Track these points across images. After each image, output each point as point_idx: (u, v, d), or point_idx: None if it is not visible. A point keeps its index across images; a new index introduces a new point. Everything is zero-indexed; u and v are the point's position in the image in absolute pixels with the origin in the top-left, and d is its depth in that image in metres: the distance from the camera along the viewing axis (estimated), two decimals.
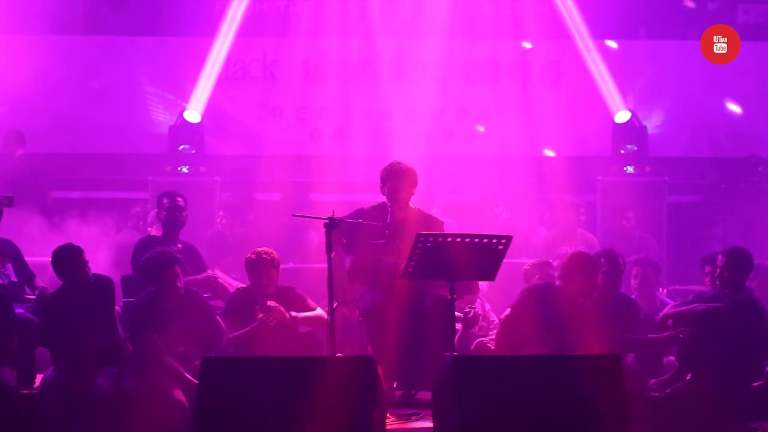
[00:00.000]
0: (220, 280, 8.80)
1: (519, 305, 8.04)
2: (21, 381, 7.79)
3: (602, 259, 8.16)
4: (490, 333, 8.62)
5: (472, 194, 11.74)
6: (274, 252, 8.10)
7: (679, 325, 8.06)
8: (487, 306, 9.13)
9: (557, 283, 8.05)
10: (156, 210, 9.15)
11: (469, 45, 12.49)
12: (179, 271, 7.88)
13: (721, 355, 7.84)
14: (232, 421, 6.25)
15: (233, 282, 9.14)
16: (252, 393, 6.28)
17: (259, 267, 7.99)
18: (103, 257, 9.78)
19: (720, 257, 8.11)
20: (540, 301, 7.94)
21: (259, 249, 8.11)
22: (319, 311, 8.06)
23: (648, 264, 9.21)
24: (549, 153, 12.50)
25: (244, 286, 8.26)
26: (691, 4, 12.81)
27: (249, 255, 8.09)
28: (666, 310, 8.24)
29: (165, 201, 8.91)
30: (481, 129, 12.53)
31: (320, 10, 12.63)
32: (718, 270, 8.07)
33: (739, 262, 8.06)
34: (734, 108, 12.75)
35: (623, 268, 8.28)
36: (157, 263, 7.84)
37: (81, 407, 7.48)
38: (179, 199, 8.93)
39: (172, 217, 8.86)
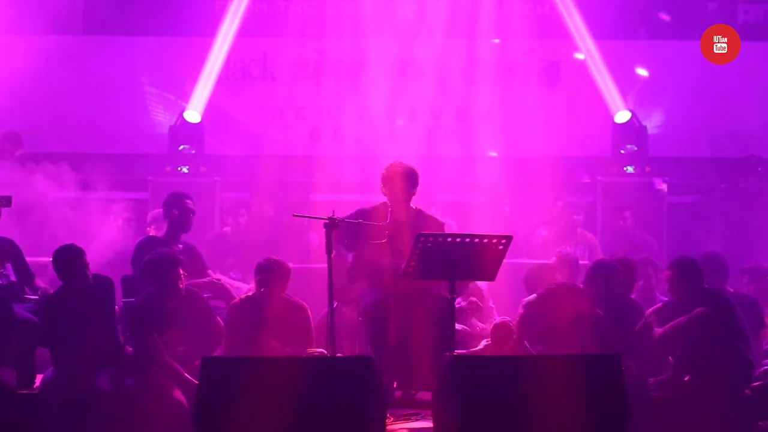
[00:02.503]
0: (223, 282, 8.79)
1: (545, 297, 8.11)
2: (21, 381, 7.79)
3: (619, 266, 8.25)
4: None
5: (473, 194, 11.73)
6: (284, 263, 8.07)
7: (669, 341, 8.06)
8: (491, 304, 9.17)
9: (581, 286, 8.15)
10: (161, 209, 9.03)
11: (469, 45, 12.48)
12: (181, 272, 7.88)
13: (712, 357, 7.85)
14: (232, 422, 6.25)
15: (233, 283, 9.15)
16: (252, 393, 6.28)
17: (267, 276, 7.96)
18: (99, 257, 9.79)
19: (666, 272, 8.12)
20: (565, 299, 8.02)
21: (272, 258, 8.08)
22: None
23: (649, 264, 9.24)
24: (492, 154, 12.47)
25: (250, 294, 8.20)
26: (666, 18, 12.80)
27: (261, 261, 8.06)
28: (660, 331, 8.21)
29: (179, 201, 8.87)
30: (493, 154, 12.51)
31: (320, 10, 12.62)
32: (668, 284, 8.08)
33: (684, 271, 8.05)
34: (642, 72, 12.72)
35: (638, 276, 8.38)
36: (159, 264, 7.84)
37: (81, 407, 7.48)
38: (190, 201, 8.93)
39: (185, 218, 8.84)
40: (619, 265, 8.27)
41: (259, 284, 8.05)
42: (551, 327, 7.93)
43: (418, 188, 8.02)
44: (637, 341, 8.05)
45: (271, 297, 7.98)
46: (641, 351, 8.04)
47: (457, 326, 8.17)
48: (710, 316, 7.89)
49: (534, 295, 8.24)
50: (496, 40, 12.51)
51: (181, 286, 7.87)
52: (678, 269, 8.07)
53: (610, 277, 8.09)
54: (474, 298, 8.86)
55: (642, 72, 12.69)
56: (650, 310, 8.25)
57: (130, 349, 7.91)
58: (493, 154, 12.35)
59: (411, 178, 7.92)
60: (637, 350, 7.98)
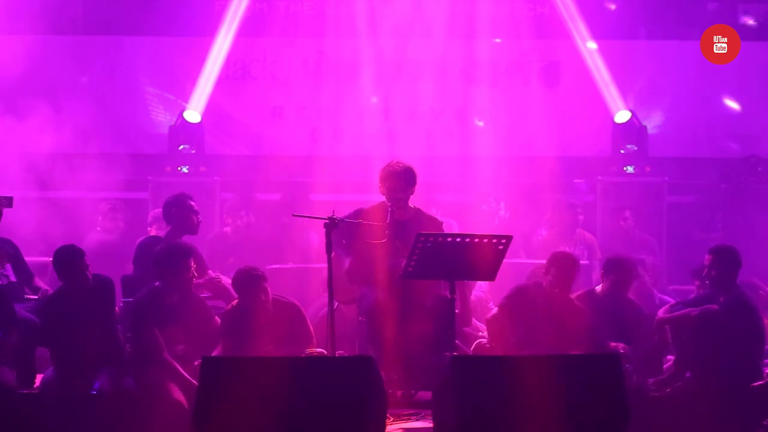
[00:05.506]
0: (222, 281, 8.79)
1: (503, 305, 8.12)
2: (21, 381, 7.79)
3: (616, 267, 8.27)
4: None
5: (472, 194, 11.74)
6: (256, 268, 7.98)
7: (676, 329, 8.09)
8: (491, 305, 9.17)
9: (543, 282, 8.15)
10: (167, 209, 8.91)
11: (469, 45, 12.49)
12: (192, 265, 7.87)
13: (718, 355, 7.86)
14: (231, 422, 6.25)
15: None
16: (252, 393, 6.28)
17: (253, 285, 7.88)
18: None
19: (707, 256, 8.14)
20: (523, 301, 8.02)
21: (246, 267, 7.99)
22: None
23: (640, 265, 9.26)
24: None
25: (236, 303, 8.09)
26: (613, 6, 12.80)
27: (236, 276, 7.97)
28: (661, 314, 8.24)
29: (181, 200, 8.83)
30: (480, 123, 12.53)
31: (320, 10, 12.63)
32: (706, 269, 8.10)
33: (725, 259, 8.06)
34: (732, 105, 12.74)
35: (633, 275, 8.36)
36: (172, 253, 7.84)
37: (81, 407, 7.49)
38: (193, 202, 8.90)
39: (197, 220, 8.82)
40: (612, 265, 8.29)
41: (242, 298, 8.00)
42: (515, 334, 7.95)
43: (418, 188, 8.01)
44: (634, 339, 8.06)
45: (259, 305, 7.89)
46: (639, 350, 8.06)
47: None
48: (722, 315, 7.89)
49: (495, 309, 8.23)
50: (497, 40, 12.53)
51: (190, 276, 7.85)
52: (717, 256, 8.07)
53: (568, 271, 8.10)
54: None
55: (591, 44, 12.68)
56: (662, 311, 8.28)
57: (130, 349, 7.91)
58: (480, 123, 12.39)
59: (409, 177, 7.92)
60: (634, 348, 8.00)
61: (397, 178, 7.89)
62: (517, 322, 8.00)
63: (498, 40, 12.56)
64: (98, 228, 11.00)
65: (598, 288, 8.36)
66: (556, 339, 7.81)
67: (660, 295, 9.49)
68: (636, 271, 8.49)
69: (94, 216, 11.13)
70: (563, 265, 8.07)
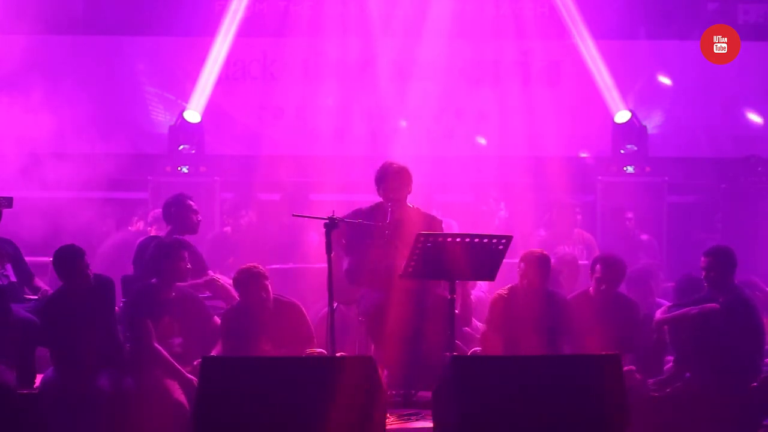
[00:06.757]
0: (221, 281, 8.79)
1: (487, 320, 8.18)
2: (21, 381, 7.79)
3: (597, 265, 8.26)
4: None
5: (472, 194, 11.74)
6: (257, 267, 8.00)
7: (674, 329, 8.09)
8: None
9: (519, 285, 8.16)
10: (167, 209, 8.93)
11: (469, 45, 12.49)
12: (186, 256, 7.94)
13: (718, 355, 7.86)
14: (231, 422, 6.24)
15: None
16: (252, 393, 6.28)
17: (254, 283, 7.90)
18: (99, 254, 9.84)
19: (702, 258, 8.14)
20: (502, 310, 8.06)
21: (248, 266, 8.01)
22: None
23: (648, 274, 9.27)
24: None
25: (236, 303, 8.12)
26: None
27: (237, 275, 7.99)
28: (660, 315, 8.24)
29: (180, 200, 8.84)
30: (482, 141, 12.54)
31: (320, 10, 12.63)
32: (703, 272, 8.09)
33: (722, 260, 8.07)
34: (755, 118, 12.75)
35: (622, 272, 8.34)
36: (168, 247, 7.98)
37: (81, 407, 7.49)
38: (192, 202, 8.91)
39: (197, 220, 8.83)
40: (597, 263, 8.30)
41: (243, 297, 8.00)
42: (513, 337, 7.98)
43: (419, 188, 8.01)
44: (631, 336, 8.07)
45: (260, 303, 7.91)
46: (637, 349, 8.06)
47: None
48: (723, 315, 7.89)
49: (484, 327, 8.24)
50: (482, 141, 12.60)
51: (184, 267, 7.90)
52: (714, 258, 8.07)
53: (540, 270, 8.09)
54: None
55: (665, 80, 12.72)
56: (660, 312, 8.28)
57: (130, 349, 7.91)
58: (482, 141, 12.40)
59: (404, 177, 7.91)
60: (632, 346, 8.00)
61: (393, 178, 7.88)
62: (502, 331, 8.02)
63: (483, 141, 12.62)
64: (130, 228, 11.03)
65: (591, 289, 8.36)
66: (538, 337, 7.81)
67: (657, 300, 9.47)
68: (623, 267, 8.45)
69: (96, 216, 11.15)
70: (535, 264, 8.08)
